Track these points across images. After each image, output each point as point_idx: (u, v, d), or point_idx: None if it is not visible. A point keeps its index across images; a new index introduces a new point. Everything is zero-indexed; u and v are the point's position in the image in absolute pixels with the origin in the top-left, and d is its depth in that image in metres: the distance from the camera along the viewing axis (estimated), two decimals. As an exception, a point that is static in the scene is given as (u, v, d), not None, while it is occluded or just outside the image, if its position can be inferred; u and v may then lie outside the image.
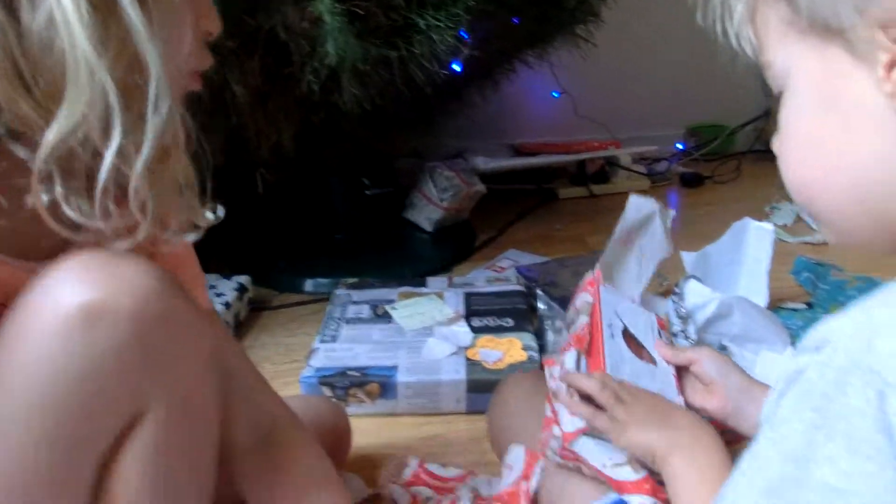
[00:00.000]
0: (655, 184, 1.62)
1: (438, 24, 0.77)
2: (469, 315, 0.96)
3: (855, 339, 0.29)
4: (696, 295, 0.89)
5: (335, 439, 0.68)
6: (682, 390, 0.60)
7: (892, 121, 0.31)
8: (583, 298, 0.67)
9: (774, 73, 0.36)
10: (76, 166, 0.40)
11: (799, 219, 1.38)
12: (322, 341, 0.92)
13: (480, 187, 1.35)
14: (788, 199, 1.41)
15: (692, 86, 1.71)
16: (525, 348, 0.89)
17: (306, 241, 1.31)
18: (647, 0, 1.55)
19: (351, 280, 1.09)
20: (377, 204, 1.28)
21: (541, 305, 0.97)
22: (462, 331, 0.93)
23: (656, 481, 0.51)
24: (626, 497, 0.51)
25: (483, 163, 1.44)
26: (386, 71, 0.82)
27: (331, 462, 0.57)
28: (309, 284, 1.18)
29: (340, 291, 1.05)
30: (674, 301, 0.85)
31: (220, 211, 0.47)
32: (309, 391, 0.85)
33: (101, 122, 0.38)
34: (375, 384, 0.85)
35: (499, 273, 1.18)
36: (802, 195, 0.36)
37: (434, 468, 0.70)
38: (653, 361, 0.62)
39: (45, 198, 0.39)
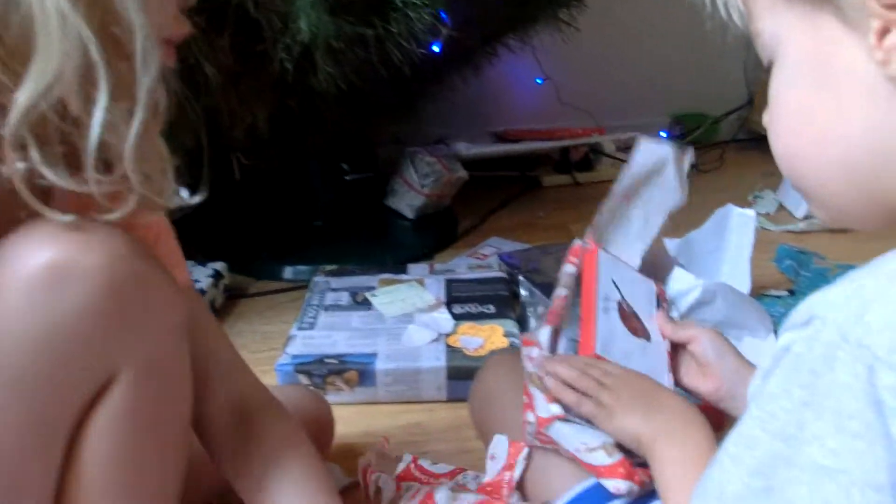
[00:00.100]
0: (639, 172, 1.62)
1: (416, 1, 0.75)
2: (450, 302, 0.95)
3: (844, 312, 0.28)
4: (680, 281, 0.89)
5: (318, 429, 0.67)
6: (673, 368, 0.58)
7: (883, 89, 0.30)
8: (565, 270, 0.63)
9: (764, 42, 0.34)
10: (51, 132, 0.37)
11: (781, 207, 1.39)
12: (299, 328, 0.90)
13: (462, 173, 1.34)
14: (771, 187, 1.43)
15: (676, 74, 1.71)
16: (507, 335, 0.88)
17: (285, 228, 1.29)
18: (632, -14, 1.54)
19: (330, 267, 1.07)
20: (357, 190, 1.26)
21: (523, 292, 0.96)
22: (443, 317, 0.91)
23: (632, 464, 0.50)
24: (603, 481, 0.50)
25: (465, 149, 1.42)
26: (361, 49, 0.79)
27: (305, 433, 0.56)
28: (288, 272, 1.16)
29: (319, 279, 1.03)
30: (661, 284, 0.85)
31: (199, 194, 0.45)
32: (285, 380, 0.83)
33: (80, 80, 0.36)
34: (354, 372, 0.83)
35: (481, 260, 1.17)
36: (792, 169, 0.35)
37: (426, 464, 0.68)
38: (647, 335, 0.60)
39: (20, 166, 0.36)
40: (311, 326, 0.91)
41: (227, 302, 1.07)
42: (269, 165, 1.15)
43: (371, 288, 0.99)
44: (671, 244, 1.03)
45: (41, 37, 0.34)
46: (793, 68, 0.33)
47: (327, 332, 0.90)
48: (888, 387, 0.26)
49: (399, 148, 1.35)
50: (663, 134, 1.76)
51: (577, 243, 0.65)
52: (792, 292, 1.03)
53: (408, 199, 1.32)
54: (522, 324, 0.92)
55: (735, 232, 0.99)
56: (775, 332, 0.93)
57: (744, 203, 1.04)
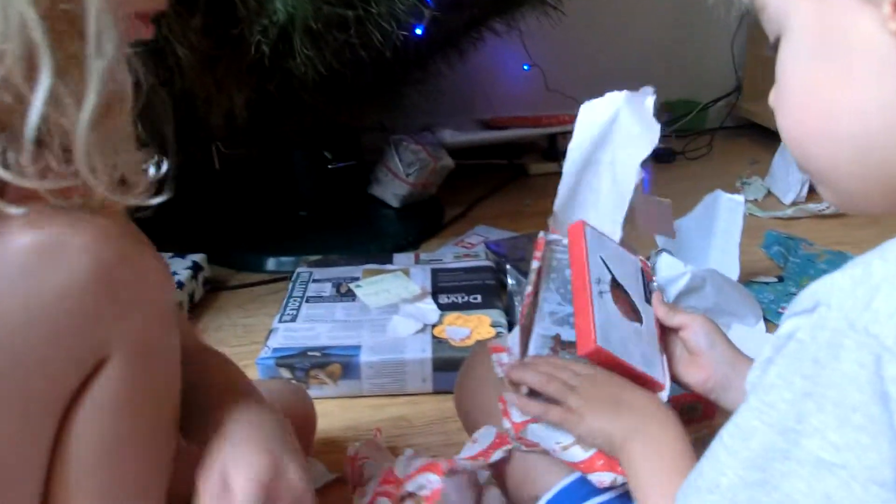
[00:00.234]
0: (627, 159, 1.60)
1: (397, -18, 0.72)
2: (436, 292, 0.93)
3: (851, 297, 0.26)
4: (669, 268, 0.88)
5: (300, 424, 0.65)
6: (664, 351, 0.56)
7: None
8: (532, 266, 0.60)
9: (769, 15, 0.33)
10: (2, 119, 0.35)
11: (769, 194, 1.39)
12: (281, 321, 0.88)
13: (448, 161, 1.32)
14: (759, 174, 1.43)
15: (665, 61, 1.70)
16: (494, 325, 0.86)
17: (266, 218, 1.26)
18: (619, -30, 1.52)
19: (313, 257, 1.05)
20: (341, 179, 1.24)
21: (510, 281, 0.95)
22: (428, 308, 0.89)
23: (609, 455, 0.49)
24: (587, 476, 0.48)
25: (451, 136, 1.40)
26: (341, 31, 0.76)
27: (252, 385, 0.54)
28: (270, 263, 1.14)
29: (302, 269, 1.01)
30: (649, 263, 0.83)
31: (164, 193, 0.42)
32: (266, 374, 0.81)
33: (22, 63, 0.33)
34: (337, 365, 0.81)
35: (468, 249, 1.15)
36: (802, 149, 0.33)
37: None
38: (639, 318, 0.56)
39: None
40: (294, 319, 0.89)
41: (207, 295, 1.05)
42: (250, 154, 1.12)
43: (355, 278, 0.97)
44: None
45: None
46: (800, 41, 0.31)
47: (310, 325, 0.87)
48: (895, 378, 0.24)
49: (383, 136, 1.33)
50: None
51: (541, 236, 0.61)
52: (781, 278, 1.03)
53: (393, 188, 1.30)
54: (509, 313, 0.91)
55: (724, 218, 0.98)
56: (765, 318, 0.93)
57: (732, 190, 1.04)
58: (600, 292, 0.55)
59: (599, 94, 0.61)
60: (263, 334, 0.87)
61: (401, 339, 0.84)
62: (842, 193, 0.33)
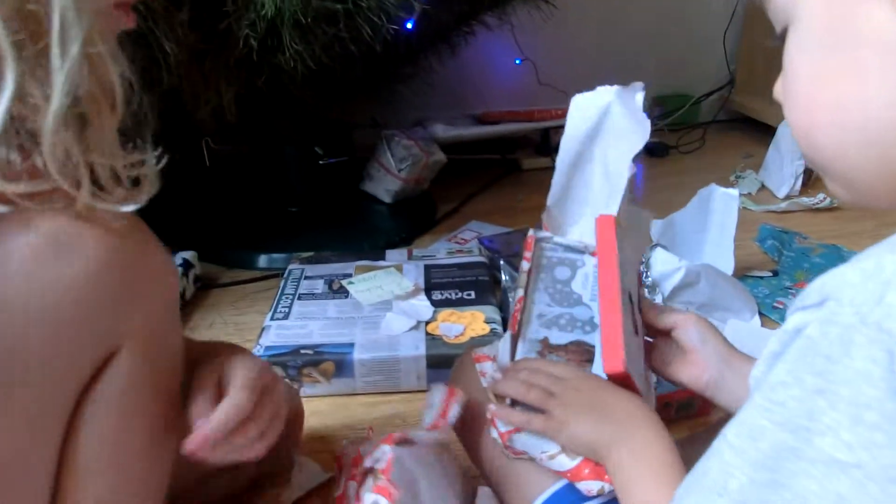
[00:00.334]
0: (620, 154, 1.60)
1: (386, -26, 0.71)
2: (429, 288, 0.92)
3: (863, 291, 0.25)
4: (663, 263, 0.87)
5: (288, 419, 0.64)
6: (654, 357, 0.55)
7: None
8: (522, 267, 0.58)
9: (776, 5, 0.32)
10: None
11: (763, 188, 1.39)
12: (273, 318, 0.87)
13: (440, 156, 1.31)
14: (753, 168, 1.43)
15: (657, 55, 1.69)
16: (488, 321, 0.86)
17: (257, 215, 1.25)
18: (611, -37, 1.51)
19: (305, 254, 1.04)
20: (333, 175, 1.22)
21: (504, 277, 0.94)
22: (422, 304, 0.89)
23: (595, 462, 0.48)
24: (578, 484, 0.48)
25: (443, 131, 1.39)
26: (330, 25, 0.75)
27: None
28: (261, 260, 1.13)
29: (294, 266, 1.00)
30: (640, 270, 0.83)
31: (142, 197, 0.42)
32: (258, 372, 0.80)
33: None
34: (330, 362, 0.80)
35: (461, 245, 1.14)
36: (809, 141, 0.32)
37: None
38: (636, 328, 0.54)
39: None
40: (286, 316, 0.88)
41: (198, 292, 1.04)
42: (240, 150, 1.11)
43: (347, 275, 0.96)
44: (654, 225, 1.01)
45: None
46: (809, 32, 0.31)
47: (302, 322, 0.86)
48: None
49: (375, 131, 1.31)
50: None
51: (530, 234, 0.59)
52: (775, 272, 1.02)
53: (385, 184, 1.29)
54: (504, 309, 0.90)
55: (718, 212, 0.97)
56: (760, 312, 0.92)
57: (726, 183, 1.03)
58: (624, 303, 0.51)
59: (592, 87, 0.60)
60: (255, 332, 0.86)
61: (394, 337, 0.83)
62: (848, 186, 0.32)
